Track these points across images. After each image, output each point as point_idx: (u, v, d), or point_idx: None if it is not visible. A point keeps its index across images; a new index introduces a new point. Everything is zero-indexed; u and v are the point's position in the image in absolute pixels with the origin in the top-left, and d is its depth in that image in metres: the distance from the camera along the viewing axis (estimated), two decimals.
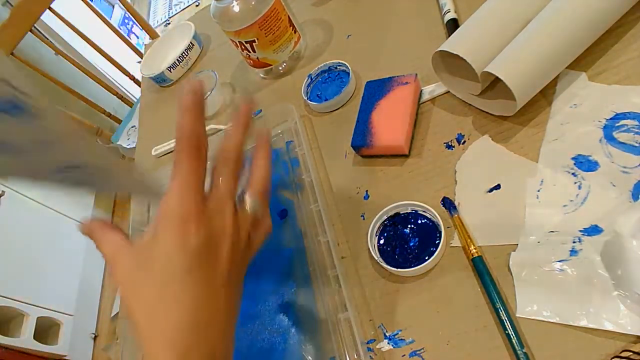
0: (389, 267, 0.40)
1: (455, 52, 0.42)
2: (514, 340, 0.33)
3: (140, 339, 0.27)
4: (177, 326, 0.26)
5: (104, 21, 1.44)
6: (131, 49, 1.52)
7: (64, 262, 1.67)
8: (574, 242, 0.35)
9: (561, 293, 0.33)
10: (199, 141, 0.31)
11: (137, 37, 2.68)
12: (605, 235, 0.34)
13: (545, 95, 0.43)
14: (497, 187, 0.41)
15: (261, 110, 0.64)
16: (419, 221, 0.42)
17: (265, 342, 0.43)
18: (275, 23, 0.58)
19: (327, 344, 0.41)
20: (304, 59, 0.66)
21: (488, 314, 0.35)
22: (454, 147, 0.45)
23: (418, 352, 0.37)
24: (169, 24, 2.86)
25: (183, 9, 2.88)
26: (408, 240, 0.42)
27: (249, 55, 0.63)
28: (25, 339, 1.40)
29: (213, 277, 0.29)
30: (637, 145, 0.36)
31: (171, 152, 0.71)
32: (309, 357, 0.41)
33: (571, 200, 0.37)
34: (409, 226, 0.42)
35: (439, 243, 0.39)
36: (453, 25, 0.52)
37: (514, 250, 0.37)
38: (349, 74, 0.57)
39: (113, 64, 1.52)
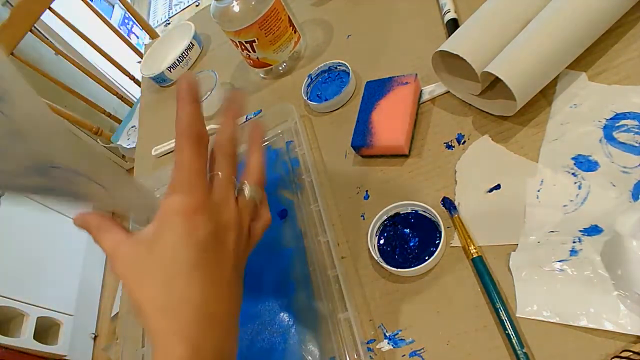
0: (389, 267, 0.40)
1: (455, 52, 0.42)
2: (514, 340, 0.33)
3: (151, 333, 0.27)
4: (189, 320, 0.26)
5: (104, 21, 1.44)
6: (131, 49, 1.52)
7: (64, 262, 1.67)
8: (574, 242, 0.35)
9: (561, 293, 0.33)
10: (199, 129, 0.30)
11: (137, 37, 2.68)
12: (605, 235, 0.34)
13: (545, 95, 0.43)
14: (497, 187, 0.41)
15: (261, 110, 0.64)
16: (419, 221, 0.42)
17: (265, 342, 0.43)
18: (275, 23, 0.58)
19: (327, 344, 0.41)
20: (304, 59, 0.66)
21: (488, 314, 0.35)
22: (454, 147, 0.45)
23: (418, 352, 0.37)
24: (169, 24, 2.86)
25: (183, 9, 2.88)
26: (408, 240, 0.42)
27: (249, 55, 0.63)
28: (25, 339, 1.40)
29: (220, 269, 0.29)
30: (637, 145, 0.36)
31: (171, 152, 0.71)
32: (309, 357, 0.41)
33: (571, 200, 0.37)
34: (409, 226, 0.42)
35: (439, 243, 0.39)
36: (453, 25, 0.52)
37: (514, 250, 0.37)
38: (349, 74, 0.57)
39: (113, 64, 1.52)
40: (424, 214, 0.42)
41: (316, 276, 0.44)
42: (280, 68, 0.66)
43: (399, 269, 0.39)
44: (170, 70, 0.80)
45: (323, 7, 0.71)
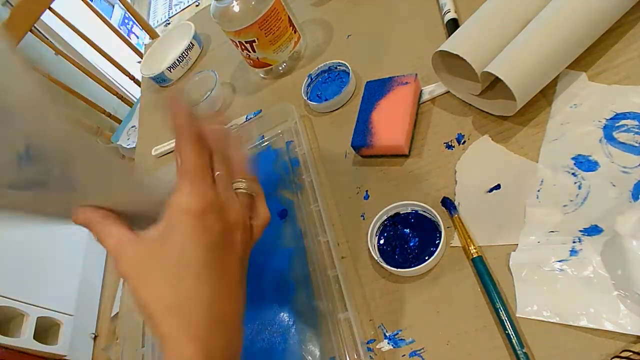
0: (389, 267, 0.40)
1: (455, 52, 0.42)
2: (514, 340, 0.33)
3: (158, 333, 0.26)
4: (199, 319, 0.26)
5: (104, 21, 1.44)
6: (131, 49, 1.52)
7: (64, 262, 1.67)
8: (574, 242, 0.35)
9: (561, 293, 0.33)
10: (197, 128, 0.30)
11: (137, 37, 2.68)
12: (605, 235, 0.34)
13: (545, 95, 0.43)
14: (497, 187, 0.41)
15: (261, 110, 0.64)
16: (419, 221, 0.42)
17: (265, 342, 0.43)
18: (275, 23, 0.58)
19: (327, 344, 0.41)
20: (304, 59, 0.66)
21: (488, 314, 0.35)
22: (454, 147, 0.45)
23: (418, 352, 0.37)
24: (169, 24, 2.86)
25: (183, 9, 2.88)
26: (408, 240, 0.42)
27: (249, 55, 0.63)
28: (25, 339, 1.40)
29: (228, 268, 0.29)
30: (637, 145, 0.36)
31: (171, 152, 0.71)
32: (309, 357, 0.41)
33: (571, 200, 0.37)
34: (409, 226, 0.42)
35: (439, 243, 0.39)
36: (453, 25, 0.52)
37: (514, 250, 0.37)
38: (349, 74, 0.57)
39: (113, 64, 1.52)
40: (424, 214, 0.42)
41: (316, 276, 0.44)
42: (280, 68, 0.66)
43: (399, 269, 0.39)
44: (170, 70, 0.80)
45: (323, 7, 0.71)
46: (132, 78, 1.56)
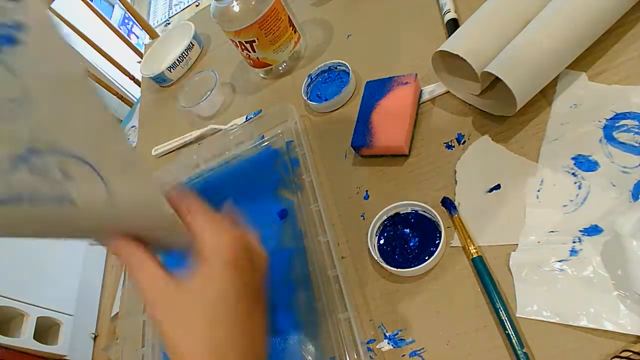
0: (389, 267, 0.40)
1: (455, 52, 0.42)
2: (514, 340, 0.33)
3: None
4: None
5: (104, 21, 1.44)
6: (131, 49, 1.52)
7: (64, 262, 1.67)
8: (574, 242, 0.35)
9: (561, 293, 0.33)
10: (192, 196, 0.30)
11: (137, 37, 2.68)
12: (605, 235, 0.34)
13: (545, 95, 0.43)
14: (497, 187, 0.41)
15: (261, 110, 0.64)
16: (419, 221, 0.42)
17: None
18: (275, 23, 0.58)
19: (327, 344, 0.41)
20: (304, 59, 0.66)
21: (488, 314, 0.35)
22: (454, 147, 0.45)
23: (418, 352, 0.37)
24: (169, 24, 2.86)
25: (183, 9, 2.88)
26: (408, 240, 0.42)
27: (249, 55, 0.63)
28: (25, 339, 1.40)
29: (258, 313, 0.30)
30: (637, 145, 0.36)
31: (171, 152, 0.71)
32: (309, 357, 0.41)
33: (571, 200, 0.37)
34: (409, 226, 0.42)
35: (439, 243, 0.39)
36: (453, 25, 0.52)
37: (514, 250, 0.37)
38: (349, 74, 0.57)
39: (113, 64, 1.52)
40: (424, 214, 0.42)
41: (316, 276, 0.44)
42: (280, 68, 0.66)
43: (399, 269, 0.39)
44: (170, 70, 0.80)
45: (323, 7, 0.71)
46: (132, 78, 1.56)
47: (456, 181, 0.43)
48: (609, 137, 0.38)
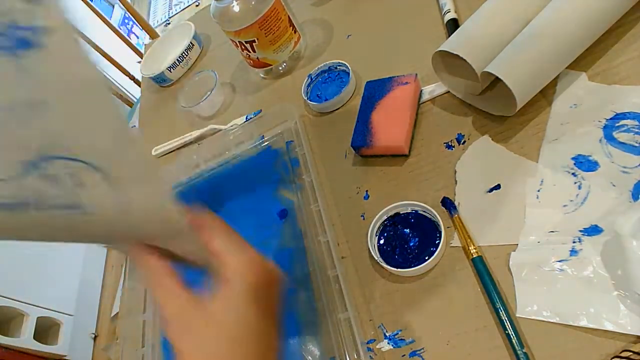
0: (389, 267, 0.40)
1: (455, 52, 0.42)
2: (514, 340, 0.33)
3: None
4: None
5: (104, 21, 1.44)
6: (131, 49, 1.52)
7: (64, 262, 1.67)
8: (574, 242, 0.35)
9: (561, 293, 0.33)
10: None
11: (137, 37, 2.68)
12: (605, 235, 0.34)
13: (545, 95, 0.43)
14: (497, 187, 0.41)
15: (261, 110, 0.64)
16: (419, 221, 0.42)
17: None
18: (275, 23, 0.58)
19: (327, 344, 0.41)
20: (304, 59, 0.66)
21: (488, 314, 0.35)
22: (454, 147, 0.45)
23: (418, 352, 0.37)
24: (169, 24, 2.86)
25: (183, 9, 2.88)
26: (408, 240, 0.42)
27: (249, 55, 0.63)
28: (25, 339, 1.40)
29: (277, 330, 0.30)
30: (637, 145, 0.36)
31: (171, 152, 0.71)
32: (309, 357, 0.41)
33: (571, 200, 0.37)
34: (409, 226, 0.42)
35: (439, 243, 0.39)
36: (453, 25, 0.53)
37: (514, 250, 0.37)
38: (349, 74, 0.57)
39: (113, 64, 1.52)
40: (424, 214, 0.42)
41: (316, 276, 0.44)
42: (280, 68, 0.66)
43: (399, 269, 0.39)
44: (170, 70, 0.80)
45: (323, 7, 0.71)
46: (132, 78, 1.56)
47: (456, 181, 0.43)
48: (609, 137, 0.38)
